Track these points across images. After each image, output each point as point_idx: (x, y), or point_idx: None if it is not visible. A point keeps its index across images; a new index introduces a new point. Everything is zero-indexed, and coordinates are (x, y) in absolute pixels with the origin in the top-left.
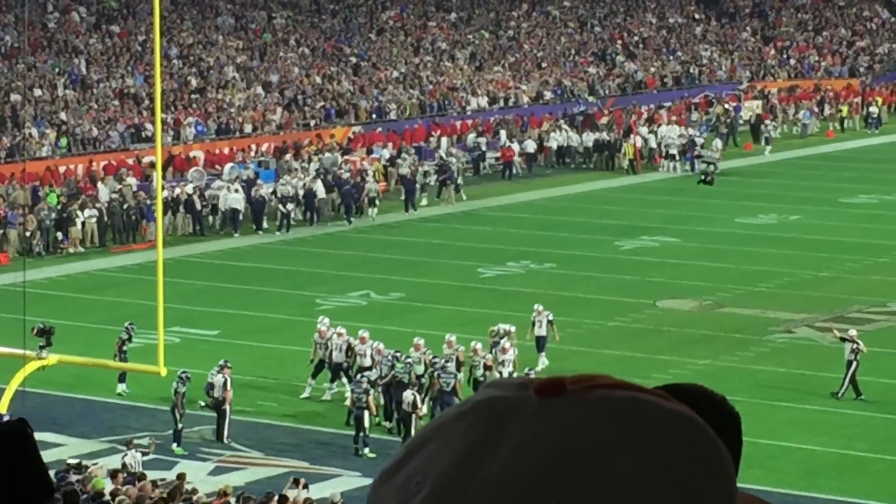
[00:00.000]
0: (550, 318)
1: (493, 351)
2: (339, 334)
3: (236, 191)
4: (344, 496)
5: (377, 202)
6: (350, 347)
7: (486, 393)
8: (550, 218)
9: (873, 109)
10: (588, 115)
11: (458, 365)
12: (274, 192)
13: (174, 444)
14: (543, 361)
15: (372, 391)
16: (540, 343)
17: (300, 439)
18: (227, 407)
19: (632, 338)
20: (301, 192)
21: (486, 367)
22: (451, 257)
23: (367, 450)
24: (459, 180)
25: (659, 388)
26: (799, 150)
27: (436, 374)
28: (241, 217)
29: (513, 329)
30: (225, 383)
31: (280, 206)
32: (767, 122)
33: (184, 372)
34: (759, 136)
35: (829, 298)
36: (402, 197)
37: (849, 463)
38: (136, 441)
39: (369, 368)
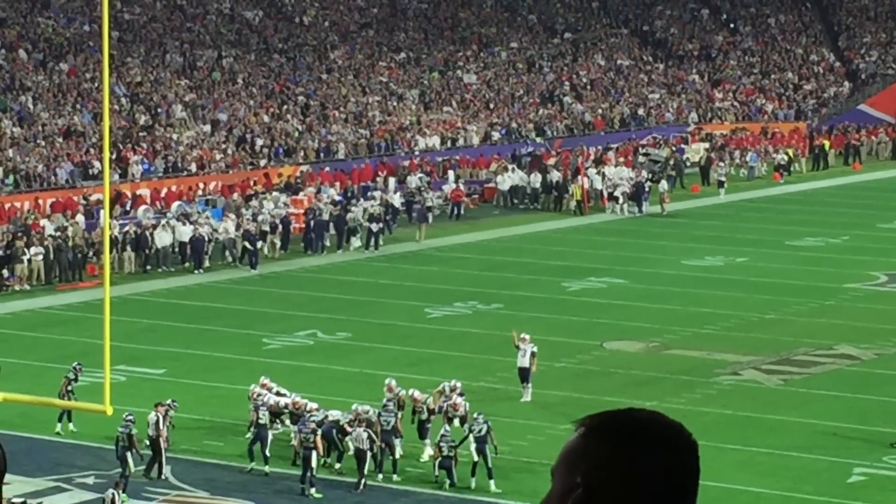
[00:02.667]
0: (534, 350)
1: (444, 407)
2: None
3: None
4: None
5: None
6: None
7: None
8: (498, 258)
9: (780, 157)
10: (536, 157)
11: (400, 406)
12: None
13: (118, 491)
14: (527, 392)
15: (319, 431)
16: (523, 374)
17: (246, 479)
18: (163, 445)
19: (578, 379)
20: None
21: (430, 412)
22: (399, 297)
23: (313, 490)
24: (430, 216)
25: (619, 412)
26: (746, 193)
27: (378, 413)
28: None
29: (458, 385)
30: (158, 422)
31: (246, 243)
32: (721, 164)
33: (129, 415)
34: (708, 178)
35: (775, 341)
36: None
37: None
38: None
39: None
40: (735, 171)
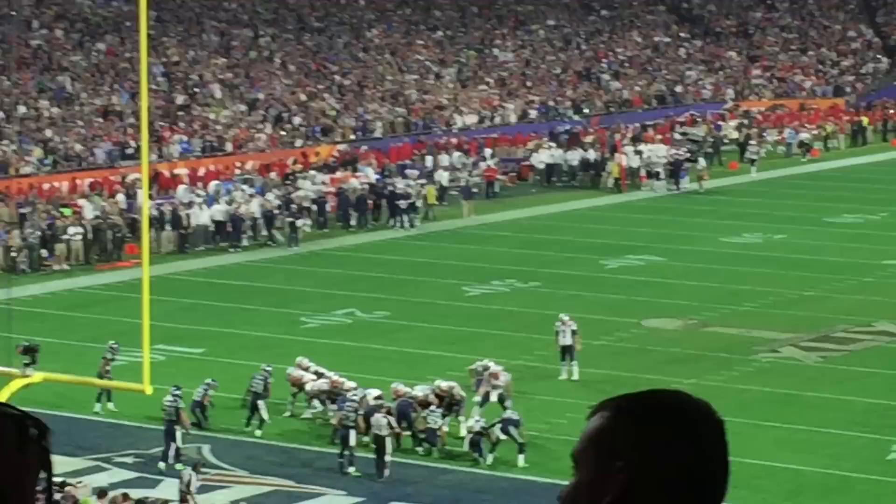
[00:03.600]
0: (574, 327)
1: (479, 383)
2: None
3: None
4: None
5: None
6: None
7: None
8: (536, 236)
9: (804, 136)
10: (573, 134)
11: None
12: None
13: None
14: (574, 369)
15: (361, 411)
16: (568, 352)
17: (285, 458)
18: (179, 429)
19: (617, 357)
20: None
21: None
22: (437, 276)
23: (352, 468)
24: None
25: (643, 393)
26: (783, 170)
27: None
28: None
29: (491, 364)
30: (177, 405)
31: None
32: (752, 143)
33: (176, 388)
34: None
35: (813, 318)
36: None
37: (833, 483)
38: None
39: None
40: (773, 148)
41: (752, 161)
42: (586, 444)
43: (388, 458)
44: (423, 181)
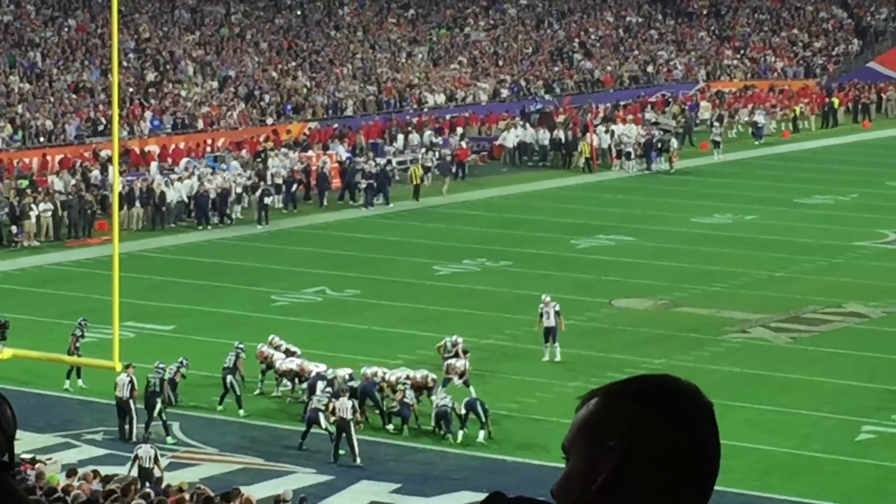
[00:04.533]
0: (557, 308)
1: (445, 365)
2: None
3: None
4: (299, 492)
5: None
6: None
7: None
8: (506, 216)
9: (758, 118)
10: (545, 114)
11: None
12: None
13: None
14: (557, 351)
15: (334, 401)
16: (550, 333)
17: (255, 436)
18: (132, 406)
19: (587, 336)
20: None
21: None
22: (407, 254)
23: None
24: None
25: (632, 378)
26: (754, 151)
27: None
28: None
29: (459, 340)
30: (131, 383)
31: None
32: (716, 124)
33: (160, 363)
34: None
35: (784, 299)
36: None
37: (802, 463)
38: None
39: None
40: (743, 129)
41: (716, 143)
42: (577, 432)
43: (355, 442)
44: (395, 160)
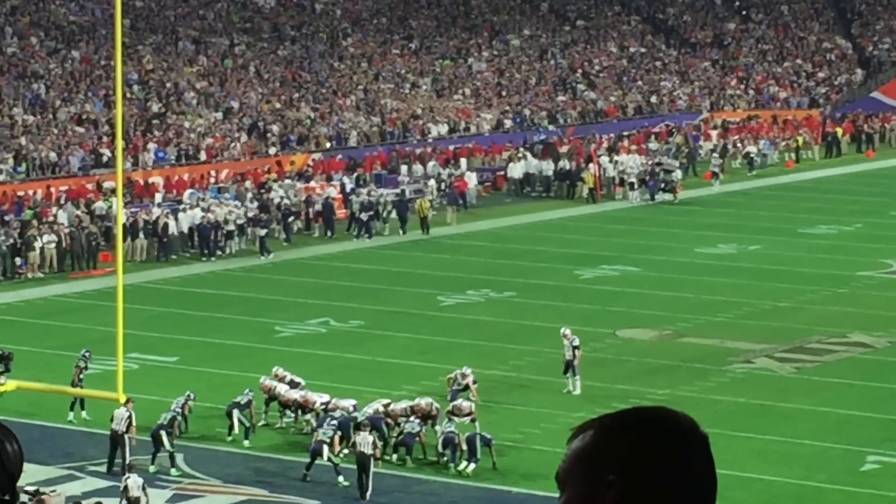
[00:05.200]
0: (576, 343)
1: (453, 395)
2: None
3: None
4: None
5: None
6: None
7: None
8: (510, 246)
9: (751, 149)
10: (548, 144)
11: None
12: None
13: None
14: (577, 384)
15: (339, 432)
16: (570, 367)
17: (259, 467)
18: (127, 440)
19: (591, 367)
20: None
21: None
22: (411, 285)
23: (341, 478)
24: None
25: (627, 410)
26: (758, 181)
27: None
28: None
29: (468, 371)
30: (130, 417)
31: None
32: (715, 155)
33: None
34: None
35: (788, 329)
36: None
37: (808, 494)
38: (137, 465)
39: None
40: (743, 160)
41: (715, 174)
42: (573, 463)
43: (370, 477)
44: (396, 191)
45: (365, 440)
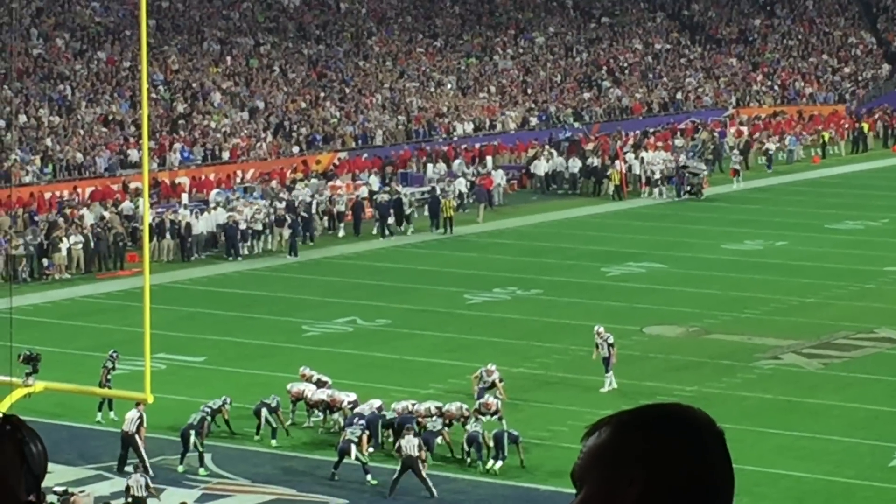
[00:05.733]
0: (611, 340)
1: (479, 393)
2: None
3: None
4: None
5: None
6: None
7: None
8: (537, 244)
9: (769, 146)
10: (574, 142)
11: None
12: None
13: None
14: (611, 381)
15: (367, 431)
16: (606, 363)
17: (286, 466)
18: (139, 443)
19: (619, 364)
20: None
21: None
22: (438, 283)
23: (369, 476)
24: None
25: (643, 407)
26: (785, 176)
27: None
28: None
29: (494, 368)
30: (140, 419)
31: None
32: (735, 153)
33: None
34: (748, 162)
35: (815, 325)
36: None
37: (836, 490)
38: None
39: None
40: (774, 155)
41: (735, 171)
42: (590, 462)
43: (426, 476)
44: (423, 190)
45: (410, 443)
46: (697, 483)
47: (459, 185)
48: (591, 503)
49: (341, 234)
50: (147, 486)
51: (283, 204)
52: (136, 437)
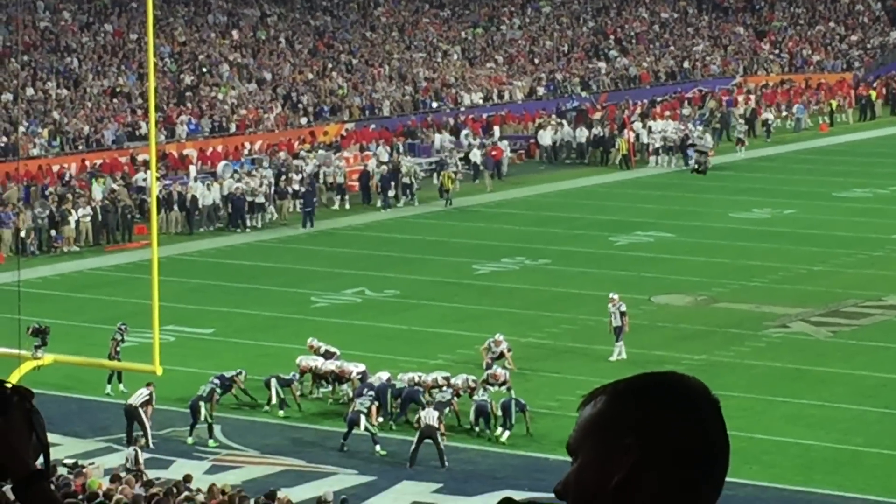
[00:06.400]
0: (623, 308)
1: (489, 364)
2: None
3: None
4: (341, 493)
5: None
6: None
7: None
8: (544, 214)
9: (768, 115)
10: (581, 111)
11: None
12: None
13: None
14: (620, 351)
15: (376, 401)
16: (617, 332)
17: (296, 437)
18: (143, 417)
19: (627, 334)
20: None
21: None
22: (446, 254)
23: (378, 447)
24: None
25: (638, 376)
26: (792, 145)
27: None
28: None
29: (501, 337)
30: (150, 395)
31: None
32: (739, 121)
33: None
34: (755, 130)
35: (823, 293)
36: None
37: (844, 458)
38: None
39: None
40: (781, 123)
41: (740, 140)
42: (585, 431)
43: (442, 447)
44: (432, 162)
45: (430, 414)
46: (693, 451)
47: (475, 156)
48: (586, 471)
49: (347, 206)
50: (136, 460)
51: (299, 176)
52: (140, 410)
